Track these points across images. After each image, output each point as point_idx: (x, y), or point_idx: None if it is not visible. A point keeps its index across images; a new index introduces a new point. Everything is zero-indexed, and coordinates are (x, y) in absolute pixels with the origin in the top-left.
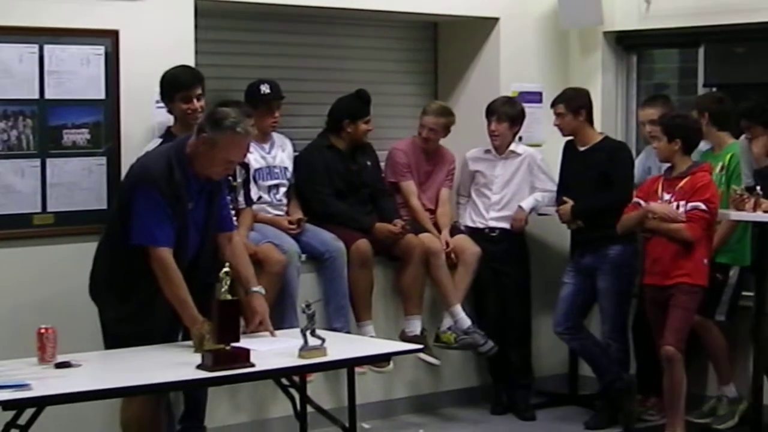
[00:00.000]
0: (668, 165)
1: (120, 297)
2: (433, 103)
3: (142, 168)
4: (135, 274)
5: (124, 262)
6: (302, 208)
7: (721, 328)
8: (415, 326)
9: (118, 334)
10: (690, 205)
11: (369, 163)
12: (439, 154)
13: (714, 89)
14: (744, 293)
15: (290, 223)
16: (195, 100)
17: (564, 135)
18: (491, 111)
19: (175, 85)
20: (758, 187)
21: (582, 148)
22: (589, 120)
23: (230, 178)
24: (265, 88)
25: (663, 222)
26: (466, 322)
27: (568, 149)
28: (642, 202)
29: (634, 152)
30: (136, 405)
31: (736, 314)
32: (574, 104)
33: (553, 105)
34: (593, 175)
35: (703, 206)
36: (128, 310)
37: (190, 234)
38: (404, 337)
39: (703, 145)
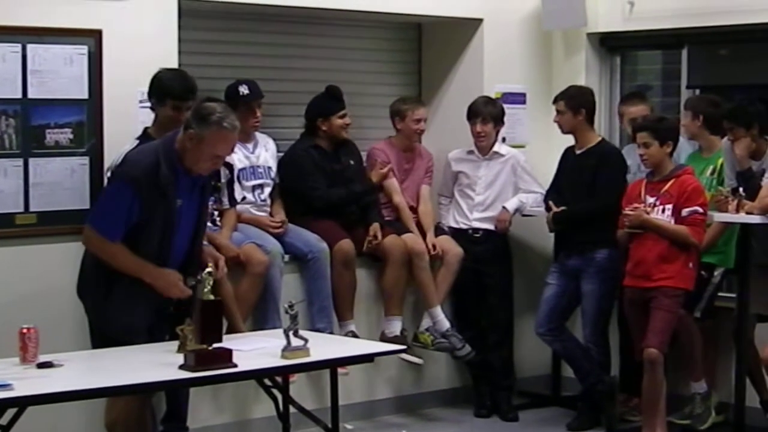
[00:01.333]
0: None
1: (104, 293)
2: (406, 98)
3: (128, 163)
4: (116, 270)
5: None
6: (285, 208)
7: (698, 326)
8: (395, 327)
9: (104, 331)
10: (688, 210)
11: (352, 162)
12: (416, 152)
13: (698, 91)
14: (721, 294)
15: (272, 222)
16: (184, 112)
17: (563, 133)
18: (475, 113)
19: (169, 93)
20: (741, 189)
21: (578, 151)
22: (590, 121)
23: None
24: (243, 89)
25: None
26: (445, 324)
27: (566, 153)
28: (631, 213)
29: None
30: (122, 405)
31: (711, 314)
32: (575, 102)
33: (555, 101)
34: (586, 179)
35: (700, 210)
36: (112, 306)
37: (179, 232)
38: (384, 338)
39: (687, 146)
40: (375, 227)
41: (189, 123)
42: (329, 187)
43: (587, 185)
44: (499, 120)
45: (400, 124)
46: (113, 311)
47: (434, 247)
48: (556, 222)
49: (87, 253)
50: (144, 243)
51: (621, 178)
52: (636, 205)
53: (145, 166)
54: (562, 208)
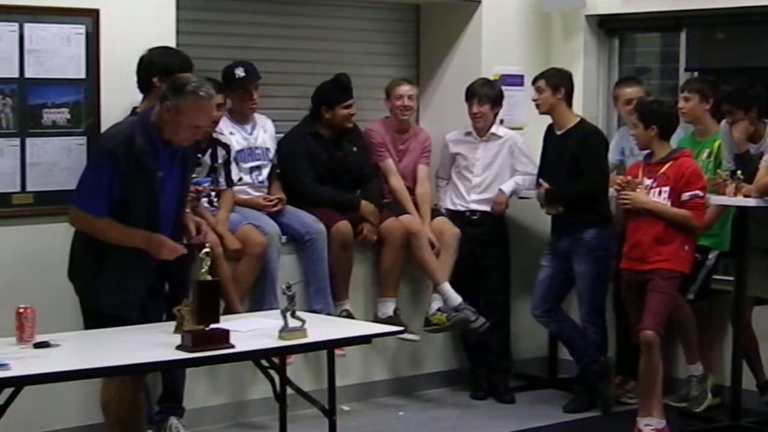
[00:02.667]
0: (647, 151)
1: (95, 270)
2: (395, 78)
3: (103, 138)
4: (107, 246)
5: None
6: (284, 190)
7: (692, 308)
8: (388, 308)
9: (96, 309)
10: (689, 194)
11: (355, 148)
12: (411, 132)
13: (696, 74)
14: (716, 277)
15: (267, 200)
16: None
17: (540, 112)
18: (472, 93)
19: (169, 68)
20: (739, 172)
21: (559, 132)
22: (568, 102)
23: (211, 159)
24: (239, 72)
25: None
26: (457, 299)
27: (548, 133)
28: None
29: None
30: (116, 386)
31: (705, 296)
32: (554, 81)
33: (534, 81)
34: (567, 160)
35: (701, 193)
36: (103, 283)
37: (163, 203)
38: (377, 320)
39: (679, 130)
40: (366, 228)
41: (165, 95)
42: (321, 181)
43: (568, 166)
44: (496, 102)
45: (388, 103)
46: (105, 288)
47: (432, 245)
48: (550, 199)
49: (76, 235)
50: (131, 218)
51: (604, 156)
52: (626, 179)
53: (120, 139)
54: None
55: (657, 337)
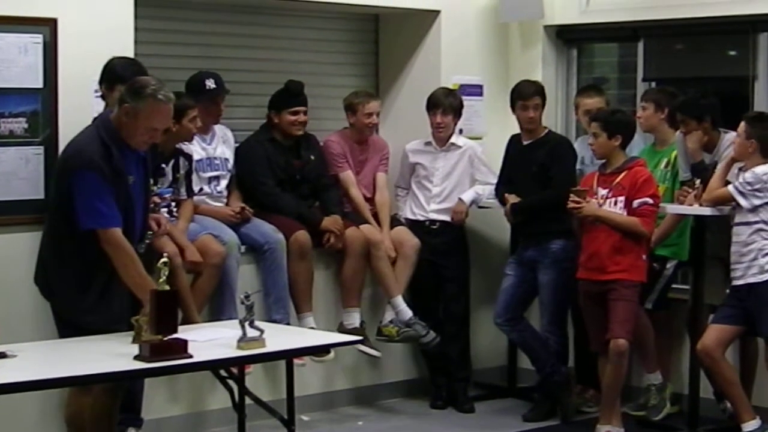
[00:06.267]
0: (603, 160)
1: (78, 289)
2: (359, 92)
3: (77, 152)
4: (89, 263)
5: (74, 253)
6: (243, 199)
7: (650, 317)
8: (354, 318)
9: (81, 325)
10: (638, 201)
11: (313, 157)
12: (370, 142)
13: (654, 84)
14: (674, 286)
15: (233, 211)
16: None
17: (530, 128)
18: (435, 103)
19: (120, 79)
20: (698, 181)
21: (526, 142)
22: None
23: (173, 169)
24: (210, 83)
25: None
26: (408, 313)
27: (512, 143)
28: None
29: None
30: (93, 398)
31: (663, 305)
32: (544, 97)
33: (528, 98)
34: (535, 169)
35: (651, 201)
36: (89, 300)
37: (136, 209)
38: (342, 330)
39: (639, 141)
40: (332, 237)
41: (124, 98)
42: (284, 189)
43: (537, 176)
44: (458, 112)
45: (352, 118)
46: (90, 305)
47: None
48: (515, 213)
49: (45, 246)
50: None
51: (573, 167)
52: (577, 201)
53: (96, 149)
54: (519, 199)
55: (628, 345)
